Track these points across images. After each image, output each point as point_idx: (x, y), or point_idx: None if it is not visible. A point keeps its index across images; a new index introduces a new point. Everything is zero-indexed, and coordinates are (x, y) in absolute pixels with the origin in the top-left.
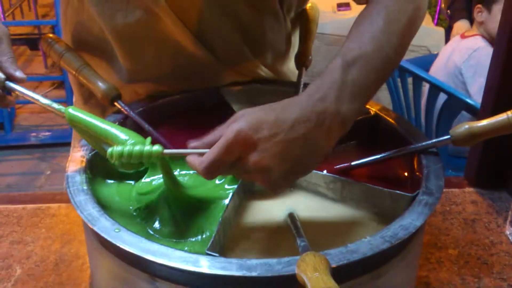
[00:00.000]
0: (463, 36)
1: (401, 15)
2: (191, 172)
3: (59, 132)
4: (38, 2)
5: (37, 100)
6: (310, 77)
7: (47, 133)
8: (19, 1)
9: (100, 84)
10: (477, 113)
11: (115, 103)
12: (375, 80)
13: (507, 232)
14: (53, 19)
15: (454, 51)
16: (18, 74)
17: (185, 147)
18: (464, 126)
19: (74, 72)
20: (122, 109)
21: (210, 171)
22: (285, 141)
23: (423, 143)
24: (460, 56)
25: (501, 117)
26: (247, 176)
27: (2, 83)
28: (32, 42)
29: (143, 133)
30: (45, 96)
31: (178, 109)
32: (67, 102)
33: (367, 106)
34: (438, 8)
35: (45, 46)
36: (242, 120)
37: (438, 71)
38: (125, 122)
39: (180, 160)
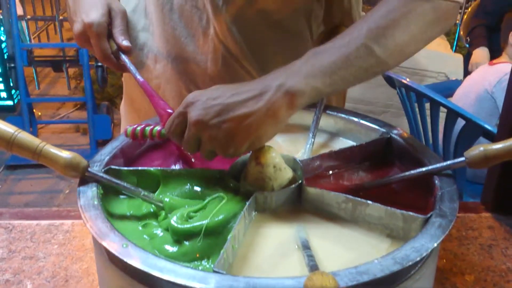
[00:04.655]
0: (491, 64)
1: (410, 14)
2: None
3: (79, 152)
4: (64, 26)
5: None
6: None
7: None
8: (45, 24)
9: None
10: None
11: None
12: (345, 66)
13: None
14: None
15: (482, 77)
16: (124, 43)
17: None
18: (479, 148)
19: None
20: None
21: (169, 129)
22: (223, 104)
23: (438, 165)
24: (490, 81)
25: None
26: (192, 136)
27: (115, 51)
28: (56, 64)
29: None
30: (67, 117)
31: None
32: (88, 122)
33: (382, 129)
34: (457, 35)
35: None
36: (192, 92)
37: (463, 97)
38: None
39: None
